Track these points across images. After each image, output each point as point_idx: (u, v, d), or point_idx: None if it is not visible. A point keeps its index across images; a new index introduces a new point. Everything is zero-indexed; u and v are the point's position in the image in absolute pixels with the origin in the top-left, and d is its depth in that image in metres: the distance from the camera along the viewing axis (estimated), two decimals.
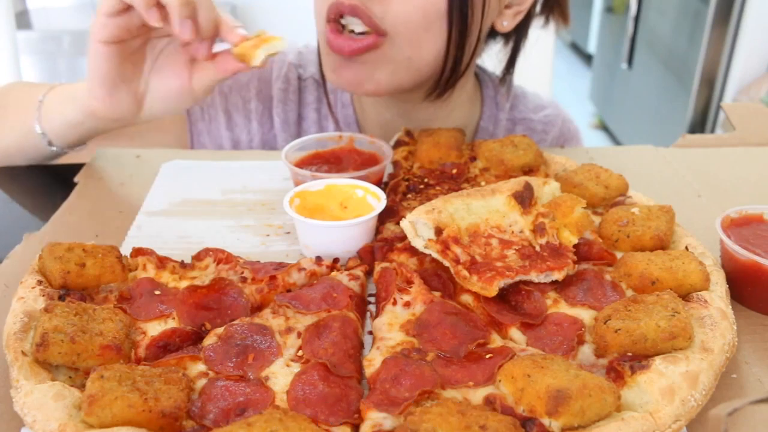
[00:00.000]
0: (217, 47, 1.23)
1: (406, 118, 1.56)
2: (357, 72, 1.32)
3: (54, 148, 1.35)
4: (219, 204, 1.30)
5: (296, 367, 0.83)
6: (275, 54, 1.17)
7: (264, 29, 1.19)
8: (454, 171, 1.30)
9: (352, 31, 1.27)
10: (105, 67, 1.16)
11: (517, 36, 1.50)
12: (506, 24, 1.40)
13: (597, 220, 1.12)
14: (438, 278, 1.01)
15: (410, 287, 0.95)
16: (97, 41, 1.14)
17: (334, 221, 1.09)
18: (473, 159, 1.35)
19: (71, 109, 1.28)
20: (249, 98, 1.63)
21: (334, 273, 1.01)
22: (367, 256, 1.08)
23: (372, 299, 1.02)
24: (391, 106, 1.57)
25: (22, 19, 3.80)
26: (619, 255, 1.02)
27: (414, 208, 1.05)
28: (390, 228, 1.14)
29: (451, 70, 1.35)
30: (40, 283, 0.92)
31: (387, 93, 1.38)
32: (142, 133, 1.55)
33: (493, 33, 1.48)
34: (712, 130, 4.30)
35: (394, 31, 1.26)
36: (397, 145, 1.40)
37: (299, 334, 0.88)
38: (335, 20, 1.27)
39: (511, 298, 0.97)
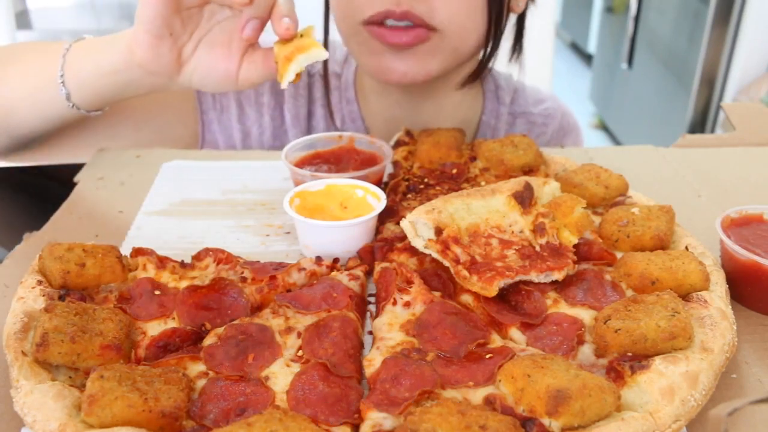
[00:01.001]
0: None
1: (413, 113, 1.58)
2: (410, 63, 1.36)
3: (71, 104, 1.26)
4: (219, 204, 1.30)
5: (296, 367, 0.83)
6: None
7: (312, 26, 1.11)
8: (454, 171, 1.30)
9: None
10: (155, 12, 1.11)
11: (521, 15, 1.54)
12: (521, 4, 1.46)
13: (597, 220, 1.12)
14: (438, 278, 1.01)
15: (410, 287, 0.95)
16: None
17: (334, 221, 1.09)
18: (473, 159, 1.35)
19: (108, 56, 1.20)
20: (262, 92, 1.62)
21: (334, 273, 1.01)
22: (367, 256, 1.08)
23: (372, 299, 1.02)
24: (399, 101, 1.59)
25: (22, 19, 3.80)
26: (619, 255, 1.02)
27: (414, 208, 1.05)
28: (390, 228, 1.14)
29: (491, 54, 1.43)
30: (40, 283, 0.92)
31: (434, 79, 1.43)
32: (152, 117, 1.53)
33: None
34: (712, 130, 4.30)
35: (443, 26, 1.31)
36: (397, 145, 1.40)
37: (299, 334, 0.88)
38: (373, 22, 1.31)
39: (511, 298, 0.97)
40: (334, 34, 1.49)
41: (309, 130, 1.64)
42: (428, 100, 1.57)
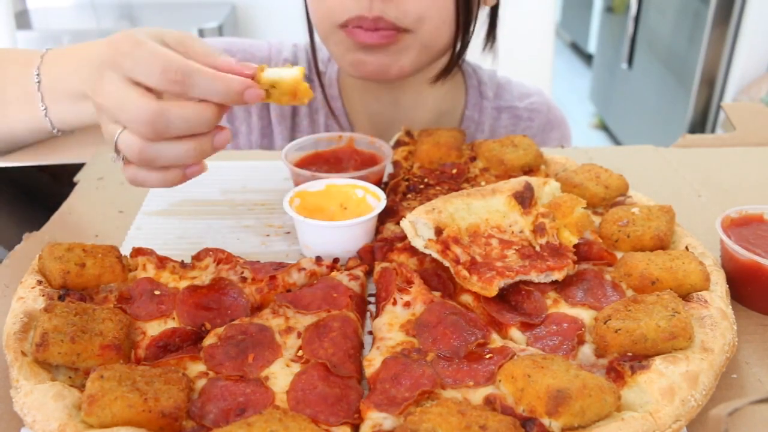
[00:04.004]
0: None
1: (394, 108, 1.61)
2: (383, 60, 1.38)
3: (44, 117, 1.18)
4: (219, 204, 1.30)
5: (296, 367, 0.83)
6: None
7: (263, 66, 1.00)
8: (454, 171, 1.30)
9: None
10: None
11: (494, 6, 1.55)
12: None
13: (597, 220, 1.12)
14: (438, 278, 1.01)
15: (410, 287, 0.95)
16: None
17: (334, 221, 1.09)
18: (473, 159, 1.35)
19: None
20: None
21: (334, 273, 1.01)
22: (367, 256, 1.08)
23: (372, 299, 1.02)
24: (380, 97, 1.62)
25: (22, 19, 3.80)
26: (619, 255, 1.02)
27: (414, 208, 1.05)
28: (390, 228, 1.14)
29: (461, 49, 1.45)
30: (40, 283, 0.92)
31: (409, 76, 1.45)
32: None
33: None
34: (712, 130, 4.29)
35: (415, 27, 1.33)
36: (397, 145, 1.40)
37: (299, 334, 0.88)
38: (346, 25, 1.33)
39: (511, 298, 0.97)
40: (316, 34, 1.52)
41: (294, 127, 1.67)
42: (408, 95, 1.60)
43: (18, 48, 1.35)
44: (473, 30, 1.43)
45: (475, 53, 1.65)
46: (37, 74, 1.16)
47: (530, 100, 1.78)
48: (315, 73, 1.62)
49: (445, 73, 1.52)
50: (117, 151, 0.98)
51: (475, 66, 1.75)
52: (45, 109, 1.18)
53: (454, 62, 1.49)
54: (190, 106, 0.95)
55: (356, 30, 1.33)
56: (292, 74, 0.99)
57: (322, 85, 1.63)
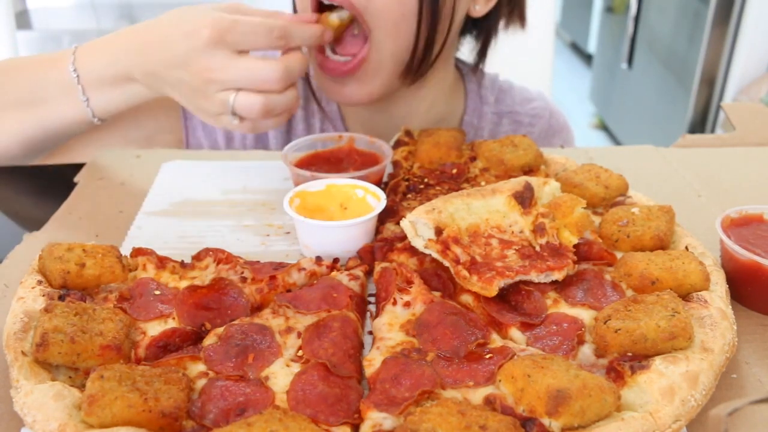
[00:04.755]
0: None
1: (386, 114, 1.60)
2: (351, 88, 1.40)
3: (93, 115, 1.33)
4: (219, 204, 1.30)
5: (296, 367, 0.83)
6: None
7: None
8: (454, 171, 1.30)
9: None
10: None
11: (488, 24, 1.53)
12: (479, 8, 1.45)
13: (597, 220, 1.12)
14: (438, 278, 1.01)
15: (410, 287, 0.95)
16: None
17: (334, 221, 1.09)
18: (473, 159, 1.35)
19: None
20: None
21: (334, 273, 1.01)
22: (367, 256, 1.08)
23: (372, 299, 1.02)
24: (371, 109, 1.60)
25: (22, 19, 3.80)
26: (619, 255, 1.02)
27: (414, 208, 1.05)
28: (390, 228, 1.14)
29: (423, 54, 1.37)
30: (40, 283, 0.92)
31: (379, 98, 1.44)
32: (140, 125, 1.56)
33: (466, 27, 1.53)
34: (712, 130, 4.30)
35: (376, 23, 1.30)
36: (397, 145, 1.40)
37: (299, 334, 0.88)
38: (320, 48, 1.35)
39: (511, 298, 0.97)
40: None
41: (289, 131, 1.66)
42: (401, 100, 1.58)
43: (39, 54, 1.41)
44: (448, 33, 1.38)
45: (471, 56, 1.65)
46: (74, 69, 1.26)
47: (532, 105, 1.76)
48: (307, 79, 1.60)
49: (417, 73, 1.41)
50: (233, 113, 1.17)
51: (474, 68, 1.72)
52: (87, 99, 1.28)
53: (414, 68, 1.39)
54: (298, 55, 1.20)
55: (323, 59, 1.35)
56: (344, 17, 1.30)
57: (313, 91, 1.62)
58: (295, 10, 1.46)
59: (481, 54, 1.61)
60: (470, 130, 1.68)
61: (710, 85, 4.24)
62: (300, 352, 0.86)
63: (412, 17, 1.31)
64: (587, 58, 7.15)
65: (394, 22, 1.30)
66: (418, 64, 1.39)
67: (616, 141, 5.68)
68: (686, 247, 1.02)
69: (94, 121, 1.32)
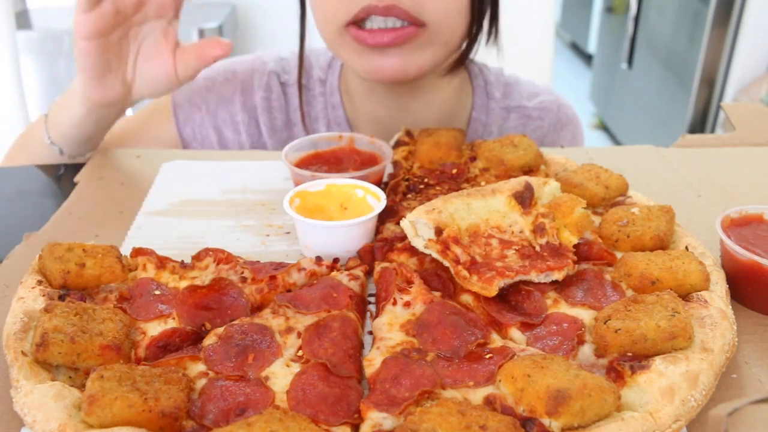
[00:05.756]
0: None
1: (400, 112, 1.58)
2: (400, 59, 1.35)
3: (65, 156, 1.44)
4: (219, 204, 1.30)
5: (296, 367, 0.83)
6: None
7: None
8: (454, 171, 1.30)
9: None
10: (90, 61, 1.25)
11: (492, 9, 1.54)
12: None
13: (597, 220, 1.12)
14: (438, 278, 1.01)
15: (410, 287, 0.95)
16: (79, 38, 1.22)
17: (334, 221, 1.09)
18: (473, 159, 1.34)
19: (73, 109, 1.34)
20: (235, 112, 1.66)
21: (334, 273, 1.01)
22: (367, 256, 1.08)
23: (372, 299, 1.02)
24: (384, 101, 1.59)
25: (22, 19, 3.80)
26: (619, 255, 1.02)
27: (414, 208, 1.05)
28: (390, 228, 1.14)
29: (472, 42, 1.43)
30: (40, 283, 0.92)
31: (427, 74, 1.43)
32: (134, 143, 1.62)
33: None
34: (712, 130, 4.30)
35: (433, 20, 1.30)
36: (397, 145, 1.40)
37: (299, 334, 0.88)
38: (355, 23, 1.31)
39: (511, 298, 0.97)
40: (315, 42, 1.51)
41: (290, 139, 1.64)
42: (415, 98, 1.57)
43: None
44: (483, 23, 1.42)
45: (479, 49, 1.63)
46: (48, 138, 1.43)
47: (539, 99, 1.74)
48: (297, 85, 1.60)
49: (458, 63, 1.49)
50: None
51: (481, 65, 1.71)
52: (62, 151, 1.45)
53: (465, 55, 1.46)
54: None
55: (363, 33, 1.30)
56: None
57: (300, 95, 1.62)
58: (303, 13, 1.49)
59: (492, 26, 1.58)
60: (479, 127, 1.67)
61: (710, 85, 4.24)
62: (300, 352, 0.86)
63: (467, 12, 1.35)
64: (587, 58, 7.15)
65: (452, 17, 1.33)
66: (467, 55, 1.44)
67: (616, 141, 5.68)
68: (686, 247, 1.02)
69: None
